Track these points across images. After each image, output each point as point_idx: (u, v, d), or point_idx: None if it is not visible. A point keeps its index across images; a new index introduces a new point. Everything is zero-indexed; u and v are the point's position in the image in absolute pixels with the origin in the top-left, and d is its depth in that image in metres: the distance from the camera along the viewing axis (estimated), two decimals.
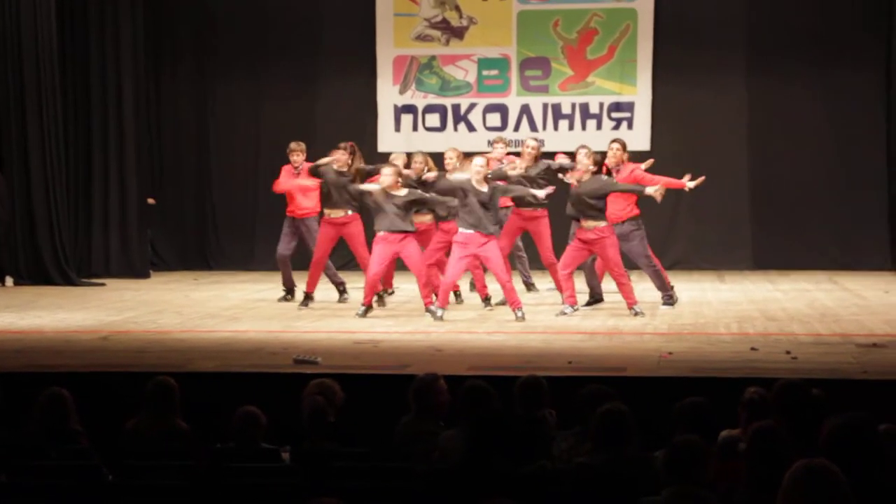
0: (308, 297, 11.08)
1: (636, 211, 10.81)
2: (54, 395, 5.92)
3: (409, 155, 11.41)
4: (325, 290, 11.53)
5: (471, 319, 10.11)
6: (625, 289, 10.20)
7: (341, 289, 11.52)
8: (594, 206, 10.10)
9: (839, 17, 14.23)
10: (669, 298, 10.75)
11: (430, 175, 10.82)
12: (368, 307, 10.27)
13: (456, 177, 10.33)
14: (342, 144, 11.19)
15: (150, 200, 14.80)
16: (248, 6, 15.29)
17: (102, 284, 13.49)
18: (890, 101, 13.94)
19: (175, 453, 5.65)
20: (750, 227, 14.63)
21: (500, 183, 10.31)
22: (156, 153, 15.34)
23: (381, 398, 6.82)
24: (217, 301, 11.79)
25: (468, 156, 10.83)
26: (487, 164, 10.37)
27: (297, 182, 11.50)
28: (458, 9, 15.02)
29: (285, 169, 11.70)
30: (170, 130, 15.51)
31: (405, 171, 10.67)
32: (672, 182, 10.80)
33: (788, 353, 8.15)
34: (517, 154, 11.50)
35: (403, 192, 10.22)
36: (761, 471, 4.34)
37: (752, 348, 8.38)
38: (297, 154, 11.57)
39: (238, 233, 15.29)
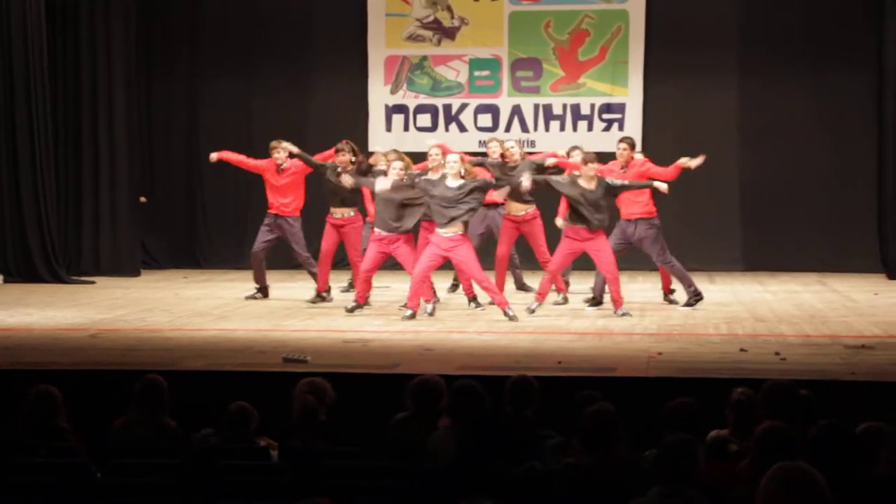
0: (319, 295, 11.10)
1: (652, 210, 10.81)
2: (43, 392, 5.91)
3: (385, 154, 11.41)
4: (310, 289, 11.52)
5: (461, 319, 10.11)
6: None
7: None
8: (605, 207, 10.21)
9: (830, 17, 14.26)
10: (696, 295, 10.76)
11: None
12: (360, 305, 10.34)
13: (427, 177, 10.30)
14: (340, 146, 11.19)
15: (142, 199, 14.78)
16: (239, 5, 15.27)
17: (92, 282, 13.47)
18: (881, 102, 13.97)
19: (164, 451, 5.64)
20: (740, 229, 14.66)
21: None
22: (147, 151, 15.31)
23: (370, 397, 6.83)
24: (207, 300, 11.78)
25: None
26: (462, 160, 10.37)
27: (277, 179, 11.44)
28: (449, 9, 15.02)
29: (266, 167, 11.64)
30: (161, 129, 15.49)
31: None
32: (676, 168, 10.84)
33: (777, 354, 8.17)
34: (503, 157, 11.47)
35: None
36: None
37: (741, 349, 8.40)
38: (281, 152, 11.51)
39: (229, 232, 15.28)
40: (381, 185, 10.20)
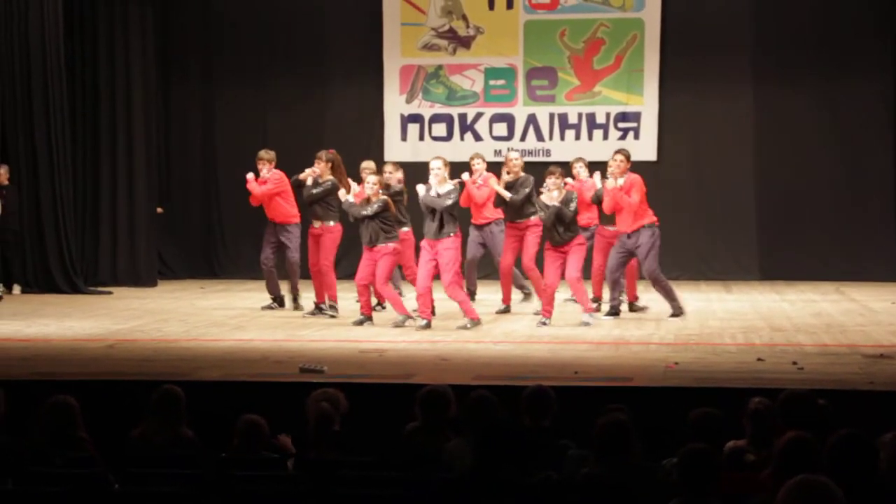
0: (318, 307, 11.09)
1: (652, 219, 10.74)
2: (60, 402, 5.92)
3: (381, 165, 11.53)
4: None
5: (477, 329, 10.10)
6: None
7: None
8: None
9: (846, 25, 14.24)
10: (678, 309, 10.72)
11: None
12: (368, 317, 10.34)
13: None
14: (320, 154, 11.24)
15: (159, 210, 14.83)
16: (255, 15, 15.32)
17: (109, 293, 13.51)
18: None
19: (181, 461, 5.65)
20: (757, 238, 14.63)
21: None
22: (164, 162, 15.37)
23: (386, 407, 6.82)
24: (223, 310, 11.80)
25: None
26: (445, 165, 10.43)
27: (264, 188, 11.51)
28: (465, 18, 15.04)
29: (249, 178, 11.67)
30: (178, 139, 15.55)
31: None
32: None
33: (795, 363, 8.13)
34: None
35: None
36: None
37: (759, 359, 8.37)
38: (264, 164, 11.58)
39: (245, 241, 15.29)
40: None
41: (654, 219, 10.65)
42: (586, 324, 10.15)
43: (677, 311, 10.60)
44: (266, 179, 11.60)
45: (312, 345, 9.30)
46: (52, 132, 13.41)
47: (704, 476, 4.29)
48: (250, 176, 11.74)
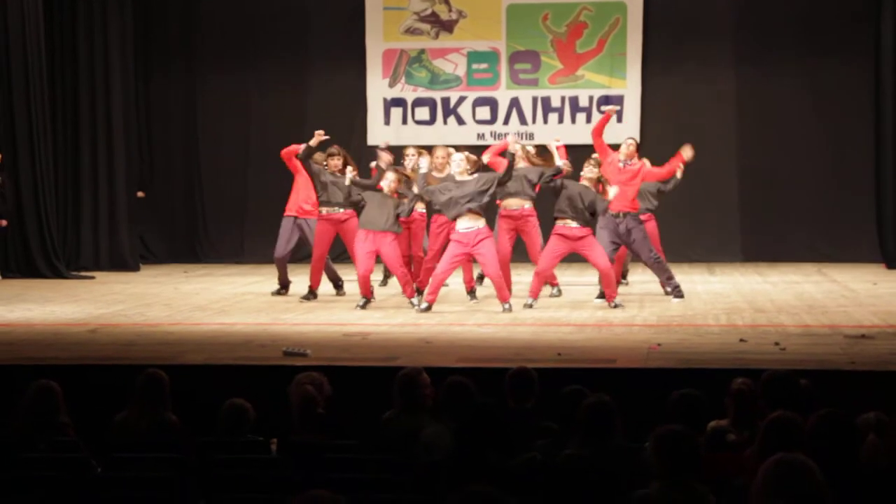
0: (312, 292, 11.06)
1: (636, 205, 10.82)
2: (43, 387, 5.91)
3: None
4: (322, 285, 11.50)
5: (460, 311, 10.11)
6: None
7: (339, 284, 11.50)
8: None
9: (828, 8, 14.27)
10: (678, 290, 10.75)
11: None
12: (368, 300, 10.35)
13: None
14: (333, 150, 11.08)
15: (140, 194, 14.79)
16: (237, 0, 15.26)
17: (92, 277, 13.47)
18: (879, 91, 13.97)
19: (164, 446, 5.65)
20: (739, 219, 14.68)
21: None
22: (145, 147, 15.33)
23: (370, 390, 6.83)
24: (206, 294, 11.79)
25: (430, 150, 11.03)
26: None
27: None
28: (447, 2, 15.01)
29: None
30: (159, 124, 15.49)
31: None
32: (675, 163, 11.21)
33: (777, 344, 8.17)
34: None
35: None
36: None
37: (741, 340, 8.40)
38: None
39: (227, 226, 15.29)
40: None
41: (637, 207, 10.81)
42: (617, 306, 10.16)
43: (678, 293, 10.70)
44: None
45: (296, 328, 9.30)
46: (32, 118, 13.33)
47: (679, 458, 4.27)
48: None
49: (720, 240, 14.65)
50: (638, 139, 14.34)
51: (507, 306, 9.95)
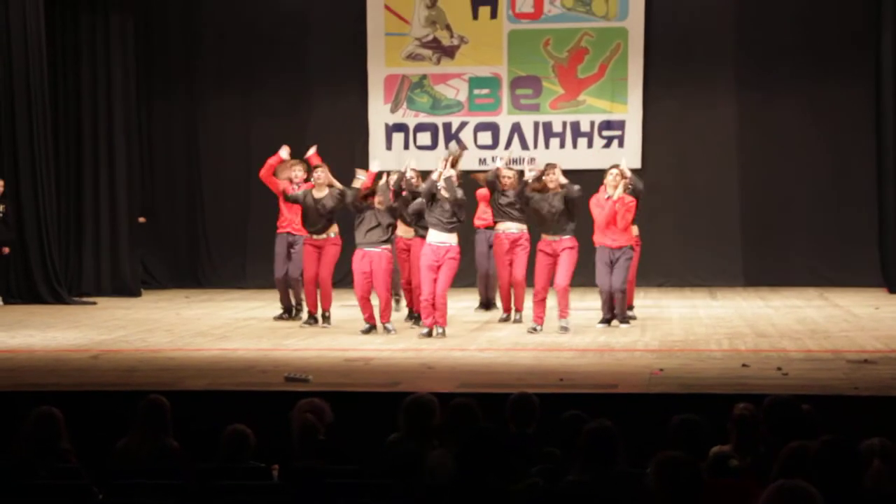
0: (312, 316, 11.05)
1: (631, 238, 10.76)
2: (44, 413, 5.89)
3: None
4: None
5: (462, 337, 10.10)
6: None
7: (290, 310, 11.47)
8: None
9: (828, 32, 14.31)
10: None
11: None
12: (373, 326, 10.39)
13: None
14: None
15: (141, 219, 14.80)
16: (238, 25, 15.32)
17: (93, 303, 13.47)
18: (879, 116, 13.99)
19: (166, 472, 5.63)
20: (741, 244, 14.68)
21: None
22: (147, 172, 15.35)
23: (371, 416, 6.82)
24: (208, 319, 11.78)
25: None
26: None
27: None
28: (448, 28, 15.07)
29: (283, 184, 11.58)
30: (161, 150, 15.53)
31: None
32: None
33: (779, 369, 8.16)
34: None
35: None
36: None
37: (743, 365, 8.39)
38: (298, 169, 11.46)
39: (229, 251, 15.30)
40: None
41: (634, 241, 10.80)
42: (564, 329, 10.16)
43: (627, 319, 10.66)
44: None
45: (298, 354, 9.29)
46: (34, 143, 13.37)
47: (681, 485, 4.25)
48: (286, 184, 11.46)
49: (721, 264, 14.65)
50: (639, 164, 14.44)
51: (439, 330, 9.94)
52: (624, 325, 10.57)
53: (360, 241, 10.39)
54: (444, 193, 10.11)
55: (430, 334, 9.98)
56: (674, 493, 4.25)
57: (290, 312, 11.50)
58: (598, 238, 10.65)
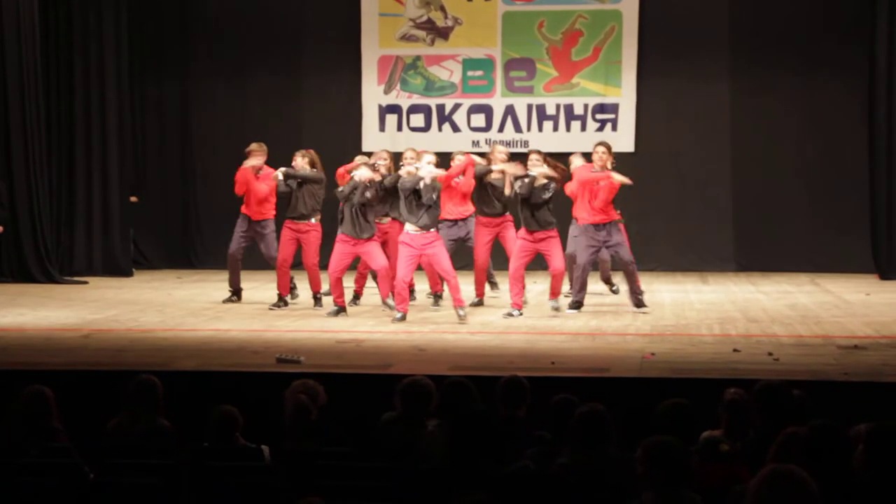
0: (282, 299, 11.04)
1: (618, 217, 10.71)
2: (35, 392, 5.90)
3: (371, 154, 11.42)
4: (302, 291, 11.50)
5: (454, 319, 10.11)
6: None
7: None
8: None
9: (822, 21, 14.31)
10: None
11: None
12: (342, 308, 10.32)
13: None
14: (301, 151, 11.12)
15: (133, 199, 14.77)
16: (232, 7, 15.26)
17: (85, 283, 13.46)
18: (872, 103, 13.99)
19: (157, 452, 5.64)
20: (732, 229, 14.70)
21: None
22: (139, 152, 15.32)
23: (363, 397, 6.83)
24: (200, 300, 11.78)
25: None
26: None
27: (256, 186, 11.40)
28: (443, 9, 15.03)
29: (243, 170, 11.50)
30: (153, 129, 15.49)
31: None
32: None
33: (770, 354, 8.18)
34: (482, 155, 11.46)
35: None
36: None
37: (734, 350, 8.41)
38: (259, 156, 11.47)
39: (221, 232, 15.17)
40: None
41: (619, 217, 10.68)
42: (556, 308, 10.23)
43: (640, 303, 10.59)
44: (267, 175, 11.37)
45: (290, 335, 9.29)
46: (26, 123, 13.33)
47: (669, 468, 4.26)
48: (246, 170, 11.37)
49: (713, 249, 14.67)
50: (632, 147, 14.45)
51: (462, 312, 9.92)
52: (643, 309, 10.49)
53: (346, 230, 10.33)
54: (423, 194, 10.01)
55: (403, 318, 9.92)
56: (661, 477, 4.27)
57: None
58: (583, 216, 10.63)
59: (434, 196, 10.07)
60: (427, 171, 10.13)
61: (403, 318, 9.93)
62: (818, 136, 14.46)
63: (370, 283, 11.35)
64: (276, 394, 6.16)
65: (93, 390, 7.20)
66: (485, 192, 10.98)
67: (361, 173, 10.35)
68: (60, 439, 5.82)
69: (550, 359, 8.00)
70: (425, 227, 10.03)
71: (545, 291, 11.60)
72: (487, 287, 11.55)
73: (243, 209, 11.56)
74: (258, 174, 11.47)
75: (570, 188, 10.97)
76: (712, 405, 5.65)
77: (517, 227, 10.72)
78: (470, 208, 11.29)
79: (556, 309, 10.43)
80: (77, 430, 6.06)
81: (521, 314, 10.23)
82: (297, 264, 11.28)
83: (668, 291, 12.38)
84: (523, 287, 10.69)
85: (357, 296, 11.16)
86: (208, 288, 12.88)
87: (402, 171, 10.34)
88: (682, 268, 14.50)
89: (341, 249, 10.35)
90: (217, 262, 14.98)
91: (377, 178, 10.39)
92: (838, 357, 8.14)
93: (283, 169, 11.11)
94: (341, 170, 11.02)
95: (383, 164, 10.91)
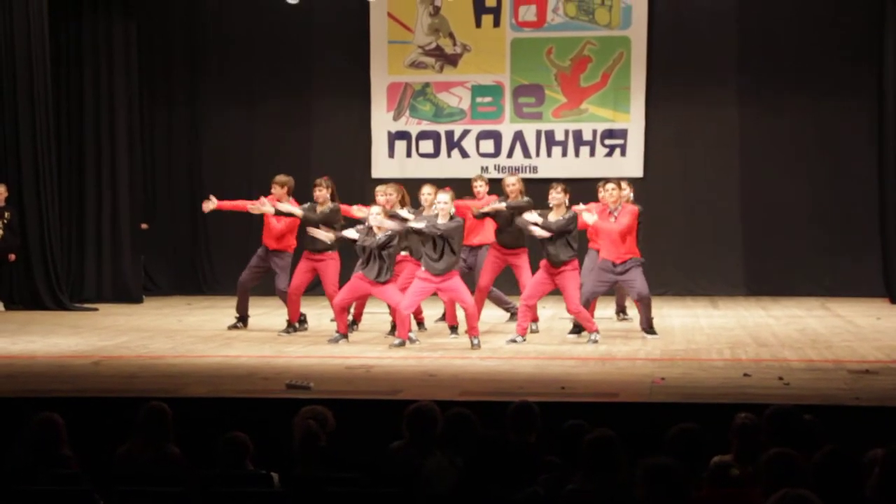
0: (291, 325, 11.04)
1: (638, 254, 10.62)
2: (46, 420, 5.90)
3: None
4: (314, 317, 11.51)
5: (464, 345, 10.10)
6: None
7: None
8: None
9: (830, 44, 14.33)
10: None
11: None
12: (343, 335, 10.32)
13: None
14: (319, 181, 11.06)
15: (143, 226, 14.81)
16: (241, 33, 15.34)
17: (95, 309, 13.47)
18: (881, 127, 14.00)
19: (167, 479, 5.63)
20: (742, 253, 14.68)
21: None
22: (149, 178, 15.37)
23: (373, 424, 6.82)
24: (210, 326, 11.78)
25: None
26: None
27: (270, 222, 11.31)
28: (451, 36, 15.09)
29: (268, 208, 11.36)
30: (163, 155, 15.54)
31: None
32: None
33: (781, 378, 8.16)
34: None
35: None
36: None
37: (745, 374, 8.39)
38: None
39: (231, 258, 15.25)
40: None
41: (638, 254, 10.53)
42: (594, 342, 10.08)
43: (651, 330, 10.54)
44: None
45: (299, 361, 9.29)
46: (37, 150, 13.38)
47: (667, 490, 4.25)
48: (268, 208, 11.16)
49: (723, 273, 14.65)
50: (641, 173, 14.46)
51: (475, 341, 9.91)
52: (651, 336, 10.46)
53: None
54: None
55: (402, 345, 9.89)
56: (661, 499, 4.26)
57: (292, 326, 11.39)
58: (603, 252, 10.57)
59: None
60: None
61: (402, 345, 9.90)
62: (828, 159, 14.45)
63: (370, 307, 11.35)
64: (286, 420, 6.15)
65: (103, 417, 7.20)
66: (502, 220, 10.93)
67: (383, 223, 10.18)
68: (71, 466, 5.82)
69: (560, 384, 7.98)
70: (440, 273, 9.96)
71: (553, 317, 11.61)
72: (505, 313, 11.59)
73: (263, 239, 11.52)
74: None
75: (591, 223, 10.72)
76: (722, 430, 5.62)
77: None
78: (480, 238, 11.31)
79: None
80: (87, 456, 6.06)
81: (524, 340, 10.20)
82: (309, 291, 11.31)
83: (678, 316, 12.36)
84: (534, 316, 10.71)
85: (355, 321, 11.11)
86: (218, 314, 12.88)
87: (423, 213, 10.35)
88: (692, 292, 14.48)
89: (356, 286, 10.31)
90: (227, 289, 15.01)
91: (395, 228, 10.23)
92: (849, 381, 8.11)
93: (284, 206, 10.97)
94: (355, 209, 10.98)
95: (384, 198, 10.73)
